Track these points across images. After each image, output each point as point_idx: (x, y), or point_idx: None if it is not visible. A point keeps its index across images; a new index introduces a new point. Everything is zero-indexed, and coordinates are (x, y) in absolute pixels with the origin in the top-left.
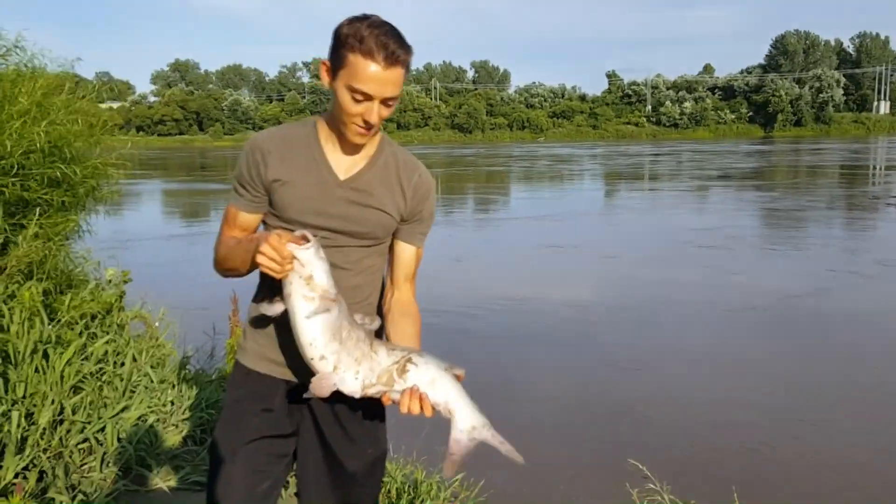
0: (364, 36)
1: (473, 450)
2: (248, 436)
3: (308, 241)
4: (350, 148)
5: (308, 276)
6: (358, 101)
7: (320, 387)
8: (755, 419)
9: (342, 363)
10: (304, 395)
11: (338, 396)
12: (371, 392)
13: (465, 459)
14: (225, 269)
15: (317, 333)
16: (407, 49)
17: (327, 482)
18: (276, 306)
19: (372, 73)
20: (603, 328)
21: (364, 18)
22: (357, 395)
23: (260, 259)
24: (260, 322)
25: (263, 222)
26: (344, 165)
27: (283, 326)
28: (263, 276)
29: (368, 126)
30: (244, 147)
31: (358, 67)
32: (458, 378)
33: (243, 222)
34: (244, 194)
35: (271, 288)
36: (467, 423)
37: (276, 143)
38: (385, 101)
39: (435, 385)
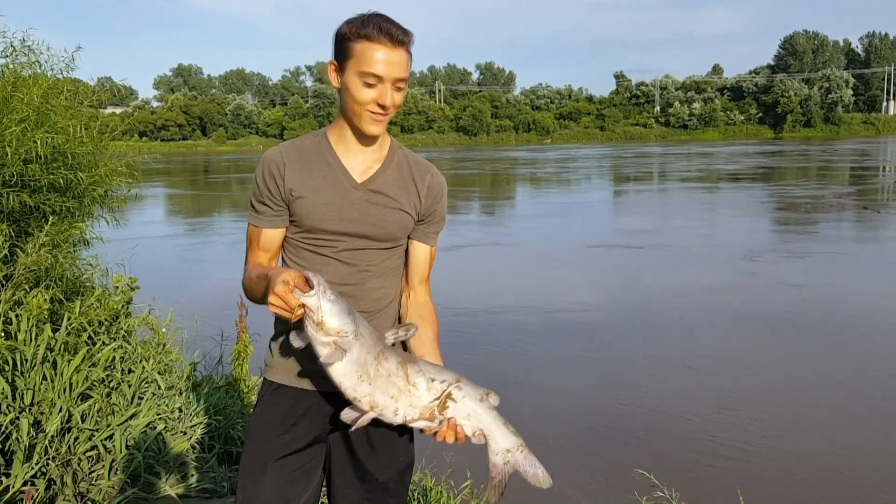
0: (367, 25)
1: (509, 473)
2: (277, 452)
3: (312, 286)
4: (363, 149)
5: (319, 322)
6: (370, 87)
7: (360, 423)
8: (758, 424)
9: (378, 403)
10: (341, 418)
11: None
12: (413, 425)
13: (505, 482)
14: (251, 299)
15: (342, 377)
16: (407, 32)
17: (360, 493)
18: (299, 340)
19: (379, 55)
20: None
21: (360, 14)
22: (396, 424)
23: (271, 309)
24: (287, 341)
25: (285, 236)
26: (359, 169)
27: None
28: None
29: (383, 111)
30: (258, 165)
31: (365, 53)
32: (493, 404)
33: (266, 241)
34: (264, 210)
35: None
36: (503, 447)
37: (289, 154)
38: (395, 85)
39: (471, 418)
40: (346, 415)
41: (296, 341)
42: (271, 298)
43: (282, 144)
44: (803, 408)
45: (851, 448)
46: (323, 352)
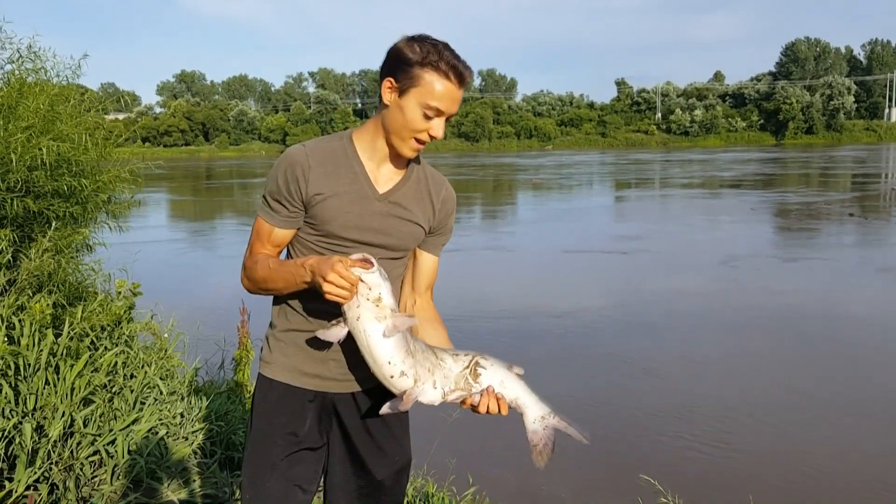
0: (439, 57)
1: (551, 437)
2: (283, 452)
3: (372, 263)
4: (391, 162)
5: (377, 298)
6: (428, 118)
7: (406, 402)
8: (763, 429)
9: (420, 376)
10: (381, 412)
11: (365, 406)
12: (452, 398)
13: (548, 447)
14: (262, 288)
15: (393, 351)
16: (472, 72)
17: (355, 490)
18: (335, 331)
19: (447, 91)
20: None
21: (426, 39)
22: (437, 404)
23: (328, 288)
24: (290, 336)
25: (295, 234)
26: (382, 179)
27: (316, 339)
28: (290, 293)
29: (429, 140)
30: (280, 162)
31: (434, 86)
32: (519, 374)
33: (276, 238)
34: (279, 210)
35: (297, 305)
36: (538, 414)
37: (316, 158)
38: (448, 118)
39: (505, 385)
40: (390, 405)
41: (329, 335)
42: (331, 278)
43: (306, 144)
44: (809, 412)
45: (861, 453)
46: (380, 327)
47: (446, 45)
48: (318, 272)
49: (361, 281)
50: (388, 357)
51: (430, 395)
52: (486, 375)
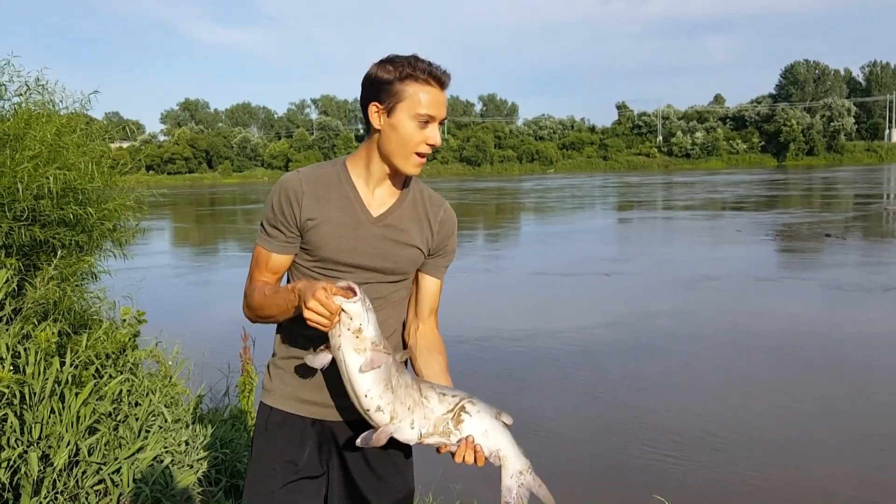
0: (415, 68)
1: (525, 496)
2: (282, 480)
3: (355, 293)
4: (383, 184)
5: (357, 329)
6: (423, 127)
7: (378, 439)
8: (775, 450)
9: (398, 413)
10: (357, 443)
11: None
12: (429, 441)
13: None
14: (259, 316)
15: (370, 385)
16: (449, 75)
17: None
18: (321, 357)
19: (432, 96)
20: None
21: (395, 57)
22: (413, 443)
23: (308, 314)
24: (289, 363)
25: (293, 261)
26: (375, 203)
27: (306, 364)
28: (289, 320)
29: (431, 150)
30: (275, 188)
31: (419, 95)
32: (506, 425)
33: (275, 264)
34: (276, 235)
35: (297, 332)
36: (516, 469)
37: (309, 183)
38: (439, 125)
39: (488, 435)
40: (363, 438)
41: (315, 362)
42: (311, 304)
43: (301, 171)
44: (819, 434)
45: (877, 475)
46: (359, 359)
47: (416, 57)
48: (303, 297)
49: (343, 310)
50: (364, 390)
51: (407, 434)
52: (468, 423)
